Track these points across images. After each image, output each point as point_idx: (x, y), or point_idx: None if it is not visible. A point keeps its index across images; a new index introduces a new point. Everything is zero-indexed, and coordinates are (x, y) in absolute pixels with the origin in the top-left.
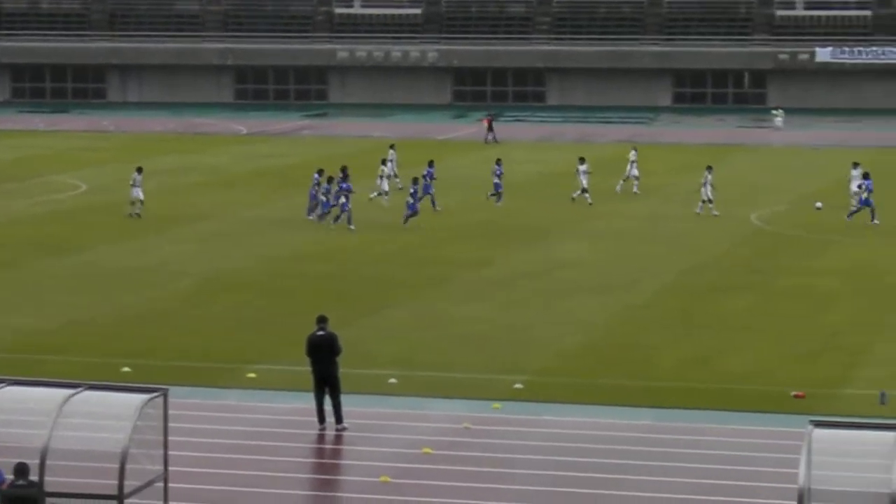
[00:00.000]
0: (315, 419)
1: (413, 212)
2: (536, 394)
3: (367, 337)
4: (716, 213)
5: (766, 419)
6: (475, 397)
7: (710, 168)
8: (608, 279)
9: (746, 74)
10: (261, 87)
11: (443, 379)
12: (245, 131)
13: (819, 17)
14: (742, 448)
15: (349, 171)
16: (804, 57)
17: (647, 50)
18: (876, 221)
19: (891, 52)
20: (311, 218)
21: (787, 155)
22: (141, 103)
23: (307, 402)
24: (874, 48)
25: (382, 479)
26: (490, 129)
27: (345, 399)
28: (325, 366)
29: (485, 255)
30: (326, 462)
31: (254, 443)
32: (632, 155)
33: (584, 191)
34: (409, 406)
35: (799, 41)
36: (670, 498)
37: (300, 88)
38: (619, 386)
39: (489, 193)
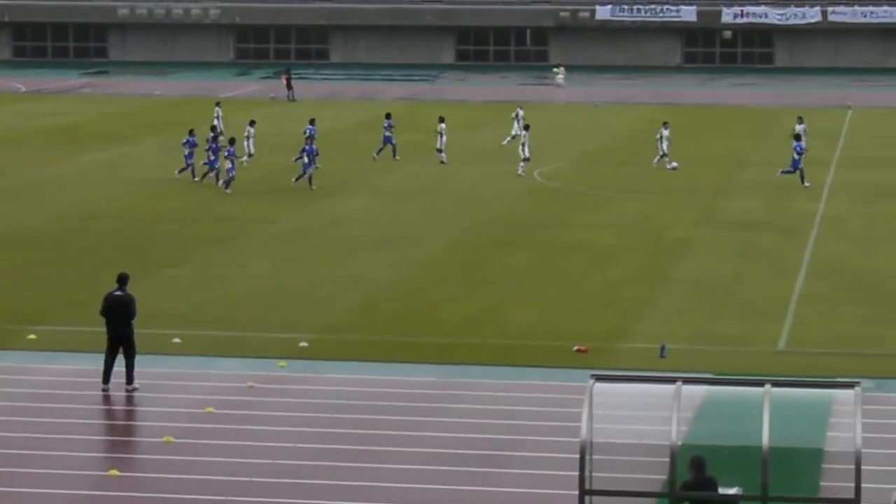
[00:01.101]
0: (99, 379)
1: (306, 170)
2: (322, 351)
3: (150, 296)
4: (522, 173)
5: (548, 374)
6: (260, 356)
7: (527, 127)
8: (393, 235)
9: (528, 32)
10: (39, 45)
11: (227, 338)
12: (24, 89)
13: None
14: (525, 403)
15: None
16: (585, 15)
17: (430, 7)
18: (807, 184)
19: (669, 9)
20: (195, 180)
21: (568, 112)
22: None
23: (89, 363)
24: (652, 6)
25: (166, 439)
26: (289, 86)
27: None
28: (118, 326)
29: (269, 213)
30: (109, 423)
31: (33, 405)
32: (519, 112)
33: (439, 150)
34: (192, 365)
35: None
36: (451, 453)
37: (80, 46)
38: (403, 342)
39: (377, 150)
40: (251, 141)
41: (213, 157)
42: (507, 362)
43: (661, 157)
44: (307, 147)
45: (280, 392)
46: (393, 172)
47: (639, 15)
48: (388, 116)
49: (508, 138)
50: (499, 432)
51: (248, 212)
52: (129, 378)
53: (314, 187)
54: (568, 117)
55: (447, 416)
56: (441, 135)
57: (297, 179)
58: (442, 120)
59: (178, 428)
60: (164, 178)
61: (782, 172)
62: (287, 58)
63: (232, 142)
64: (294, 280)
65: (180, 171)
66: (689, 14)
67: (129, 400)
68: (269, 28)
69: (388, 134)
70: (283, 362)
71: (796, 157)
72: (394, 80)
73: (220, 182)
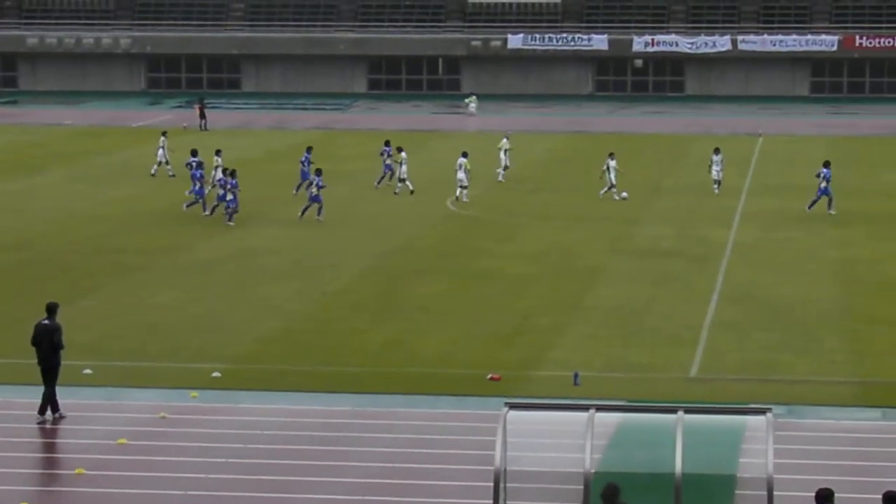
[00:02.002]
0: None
1: (314, 201)
2: (235, 381)
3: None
4: (465, 199)
5: (462, 402)
6: (172, 386)
7: (465, 154)
8: (306, 265)
9: (440, 61)
10: None
11: (139, 368)
12: None
13: (510, 5)
14: (439, 431)
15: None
16: (496, 44)
17: (342, 36)
18: (832, 211)
19: (579, 38)
20: (206, 214)
21: (480, 140)
22: None
23: None
24: (564, 35)
25: (78, 471)
26: (202, 115)
27: (39, 390)
28: (43, 355)
29: (180, 242)
30: (19, 455)
31: None
32: (504, 143)
33: (402, 180)
34: (104, 396)
35: (491, 28)
36: (366, 482)
37: None
38: (317, 372)
39: (378, 180)
40: (219, 170)
41: (221, 192)
42: (420, 391)
43: (609, 188)
44: (316, 178)
45: (193, 423)
46: (301, 201)
47: (550, 44)
48: (387, 144)
49: (501, 170)
50: (413, 461)
51: (159, 241)
52: (42, 408)
53: (321, 218)
54: (480, 145)
55: (361, 445)
56: (401, 164)
57: (303, 213)
58: (400, 149)
59: (91, 459)
60: (75, 208)
61: (810, 207)
62: (199, 87)
63: (233, 174)
64: (206, 310)
65: (189, 206)
66: (600, 43)
67: (40, 432)
68: (181, 57)
69: (388, 162)
70: (195, 393)
71: (823, 184)
72: (306, 109)
73: (221, 213)
